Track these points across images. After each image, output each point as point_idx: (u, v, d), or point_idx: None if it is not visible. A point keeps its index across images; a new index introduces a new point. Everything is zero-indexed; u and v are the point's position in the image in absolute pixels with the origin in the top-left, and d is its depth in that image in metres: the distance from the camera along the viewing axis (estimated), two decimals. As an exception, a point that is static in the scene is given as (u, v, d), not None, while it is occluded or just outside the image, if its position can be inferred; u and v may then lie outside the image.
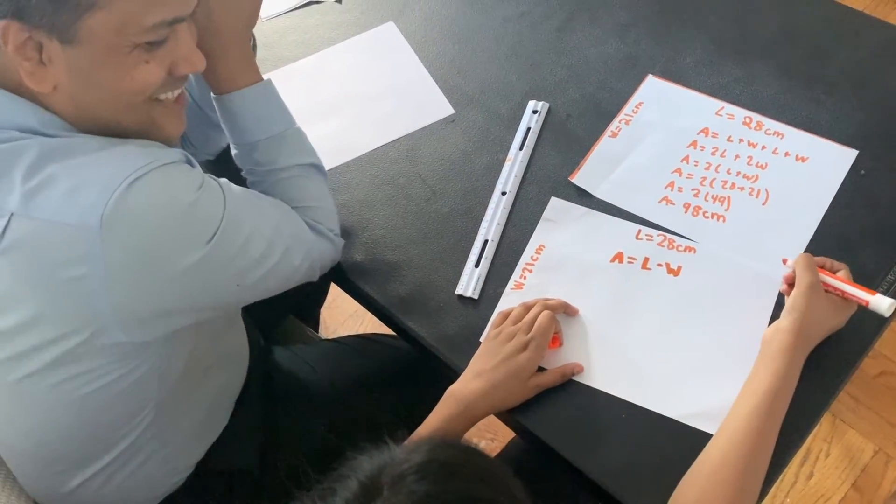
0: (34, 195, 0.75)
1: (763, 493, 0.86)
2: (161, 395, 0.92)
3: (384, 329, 1.15)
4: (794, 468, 1.69)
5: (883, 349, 1.83)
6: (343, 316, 2.07)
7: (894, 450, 1.70)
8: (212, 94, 0.97)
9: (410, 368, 1.24)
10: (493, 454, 1.17)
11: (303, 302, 1.52)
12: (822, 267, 0.96)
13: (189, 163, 0.82)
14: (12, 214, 0.75)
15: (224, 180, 0.85)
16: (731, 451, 0.83)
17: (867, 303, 0.91)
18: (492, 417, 1.79)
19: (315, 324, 1.65)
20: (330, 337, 1.65)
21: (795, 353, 0.88)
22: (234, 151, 1.00)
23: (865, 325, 0.96)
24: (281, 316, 1.44)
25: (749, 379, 0.89)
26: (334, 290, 1.68)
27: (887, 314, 0.90)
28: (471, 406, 0.90)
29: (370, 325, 1.99)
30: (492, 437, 1.79)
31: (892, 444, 1.71)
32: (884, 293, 0.96)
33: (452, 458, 0.59)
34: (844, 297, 0.93)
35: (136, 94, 0.81)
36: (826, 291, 0.93)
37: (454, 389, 0.92)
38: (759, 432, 0.83)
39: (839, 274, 0.95)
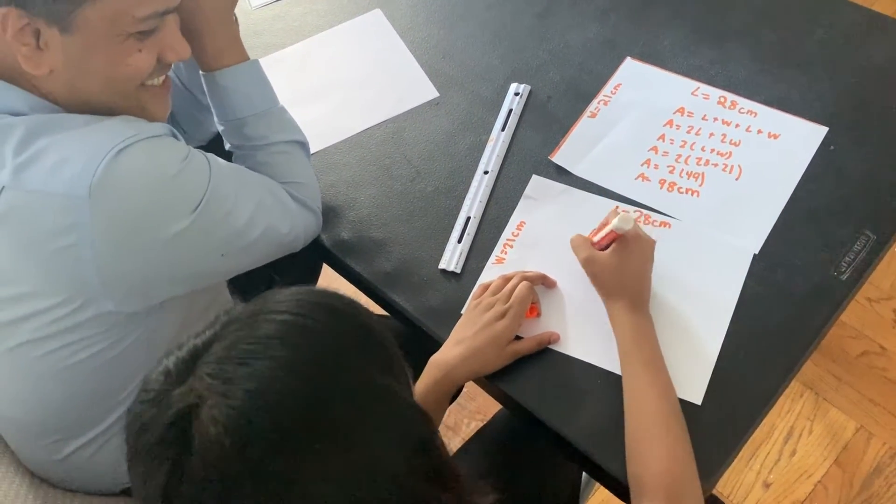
0: (25, 168, 0.78)
1: (734, 448, 0.89)
2: (150, 368, 0.95)
3: (378, 312, 1.19)
4: (778, 445, 1.73)
5: (865, 330, 1.86)
6: (336, 302, 2.10)
7: (876, 427, 1.74)
8: (200, 72, 1.00)
9: (401, 347, 1.27)
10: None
11: (294, 284, 1.55)
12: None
13: (174, 136, 0.86)
14: (3, 187, 0.79)
15: (211, 154, 0.89)
16: (633, 420, 0.88)
17: (618, 231, 0.93)
18: (482, 401, 1.84)
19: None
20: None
21: (623, 313, 0.93)
22: (220, 128, 1.04)
23: (829, 295, 0.99)
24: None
25: (619, 359, 0.93)
26: (326, 278, 1.72)
27: (626, 227, 0.92)
28: (451, 371, 0.93)
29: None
30: (482, 417, 1.83)
31: (874, 422, 1.74)
32: (850, 263, 1.00)
33: (311, 297, 0.64)
34: (617, 240, 0.96)
35: (129, 80, 0.86)
36: (608, 247, 0.97)
37: (436, 357, 0.96)
38: (644, 393, 0.88)
39: (611, 219, 0.96)
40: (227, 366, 0.57)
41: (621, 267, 0.95)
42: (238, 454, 0.54)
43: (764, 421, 0.95)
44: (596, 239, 0.99)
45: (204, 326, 0.62)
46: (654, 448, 0.84)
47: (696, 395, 0.93)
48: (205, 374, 0.57)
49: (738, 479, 1.70)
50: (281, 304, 0.62)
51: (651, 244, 0.98)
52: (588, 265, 0.97)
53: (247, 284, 1.06)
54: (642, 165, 1.13)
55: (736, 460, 0.93)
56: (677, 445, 0.84)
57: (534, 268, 1.04)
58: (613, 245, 0.96)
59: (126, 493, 1.05)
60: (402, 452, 0.59)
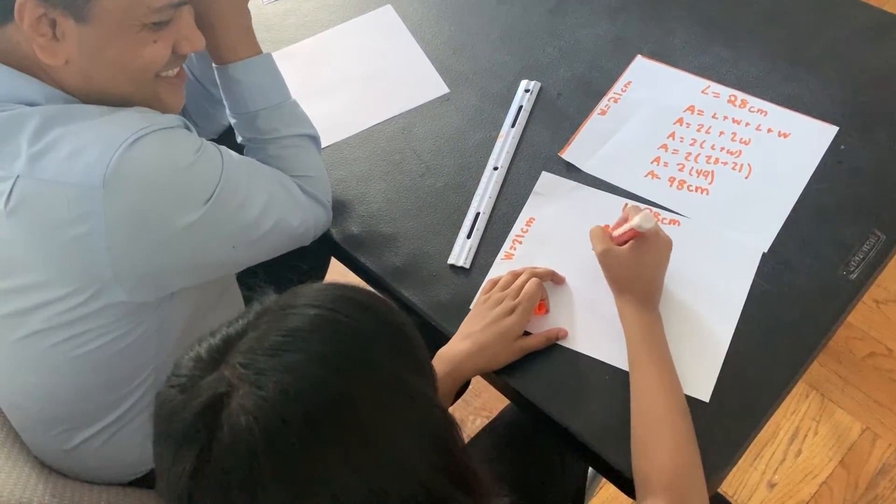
0: (39, 158, 0.79)
1: (739, 447, 0.89)
2: (159, 359, 0.96)
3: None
4: (783, 446, 1.73)
5: (872, 331, 1.86)
6: (343, 298, 2.10)
7: (881, 428, 1.73)
8: (213, 66, 1.01)
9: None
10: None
11: (303, 280, 1.56)
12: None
13: (187, 128, 0.86)
14: (18, 177, 0.79)
15: (223, 147, 0.89)
16: (639, 416, 0.88)
17: (639, 230, 0.93)
18: (487, 397, 1.84)
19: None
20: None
21: (631, 309, 0.94)
22: (233, 121, 1.04)
23: (838, 294, 0.99)
24: (280, 293, 1.48)
25: (628, 356, 0.94)
26: (335, 273, 1.72)
27: (647, 225, 0.93)
28: (458, 366, 0.94)
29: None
30: (487, 414, 1.83)
31: (879, 423, 1.74)
32: (859, 262, 1.00)
33: (345, 292, 0.65)
34: (636, 237, 0.96)
35: (144, 70, 0.86)
36: (625, 242, 0.97)
37: (443, 351, 0.96)
38: (650, 389, 0.89)
39: (632, 216, 0.96)
40: (259, 356, 0.58)
41: (636, 263, 0.95)
42: (266, 444, 0.55)
43: (769, 421, 0.96)
44: (615, 234, 0.99)
45: (237, 315, 0.63)
46: (659, 445, 0.85)
47: (703, 393, 0.93)
48: (237, 364, 0.58)
49: (742, 479, 1.70)
50: (313, 298, 0.62)
51: (668, 244, 0.97)
52: (604, 258, 0.97)
53: (255, 280, 1.07)
54: (652, 163, 1.13)
55: (741, 460, 0.93)
56: (683, 442, 0.85)
57: (542, 264, 1.04)
58: (631, 242, 0.96)
59: (134, 483, 1.05)
60: (425, 451, 0.60)
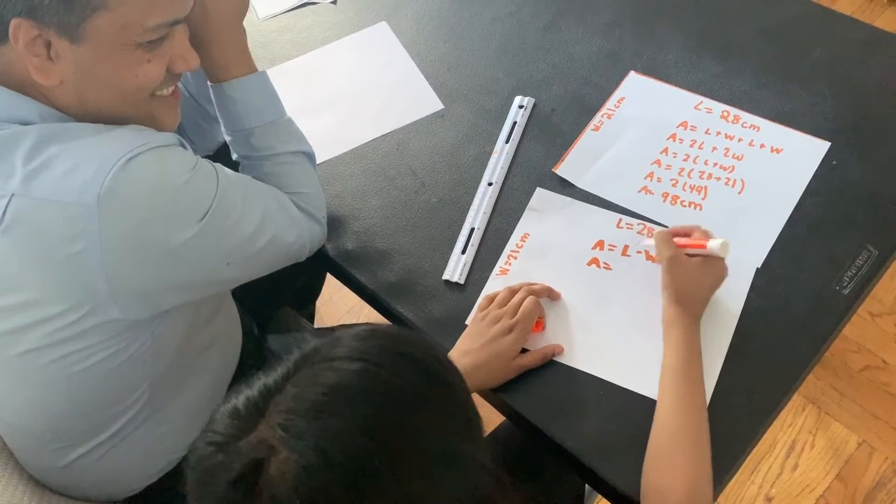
0: (34, 176, 0.79)
1: (736, 461, 0.90)
2: (155, 375, 0.96)
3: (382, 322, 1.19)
4: (780, 460, 1.73)
5: (867, 344, 1.86)
6: (340, 312, 2.11)
7: (878, 441, 1.73)
8: (209, 83, 1.01)
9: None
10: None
11: (298, 293, 1.56)
12: (679, 234, 1.00)
13: (182, 146, 0.87)
14: (13, 195, 0.79)
15: (218, 164, 0.90)
16: (667, 429, 0.87)
17: (714, 255, 0.96)
18: (483, 412, 1.84)
19: (310, 317, 1.69)
20: (325, 330, 1.68)
21: (684, 321, 0.93)
22: (228, 138, 1.04)
23: (831, 309, 1.00)
24: (276, 307, 1.48)
25: (662, 362, 0.93)
26: (331, 286, 1.72)
27: (722, 254, 0.95)
28: (455, 382, 0.94)
29: (367, 320, 2.02)
30: (484, 429, 1.82)
31: (876, 436, 1.74)
32: (852, 277, 1.01)
33: (391, 342, 0.62)
34: (705, 257, 0.97)
35: (139, 90, 0.86)
36: (690, 256, 0.97)
37: (440, 367, 0.96)
38: (683, 404, 0.88)
39: (695, 235, 0.98)
40: (299, 417, 0.56)
41: (699, 278, 0.96)
42: None
43: (766, 435, 0.96)
44: (682, 241, 0.99)
45: (276, 363, 0.61)
46: (680, 464, 0.84)
47: (698, 408, 0.93)
48: (276, 424, 0.56)
49: (739, 493, 1.69)
50: (354, 349, 0.60)
51: (726, 272, 0.97)
52: (672, 264, 0.96)
53: (256, 302, 1.07)
54: (646, 178, 1.14)
55: (738, 474, 0.93)
56: (702, 466, 0.84)
57: (537, 279, 1.05)
58: (698, 258, 0.97)
59: (129, 501, 1.05)
60: None
